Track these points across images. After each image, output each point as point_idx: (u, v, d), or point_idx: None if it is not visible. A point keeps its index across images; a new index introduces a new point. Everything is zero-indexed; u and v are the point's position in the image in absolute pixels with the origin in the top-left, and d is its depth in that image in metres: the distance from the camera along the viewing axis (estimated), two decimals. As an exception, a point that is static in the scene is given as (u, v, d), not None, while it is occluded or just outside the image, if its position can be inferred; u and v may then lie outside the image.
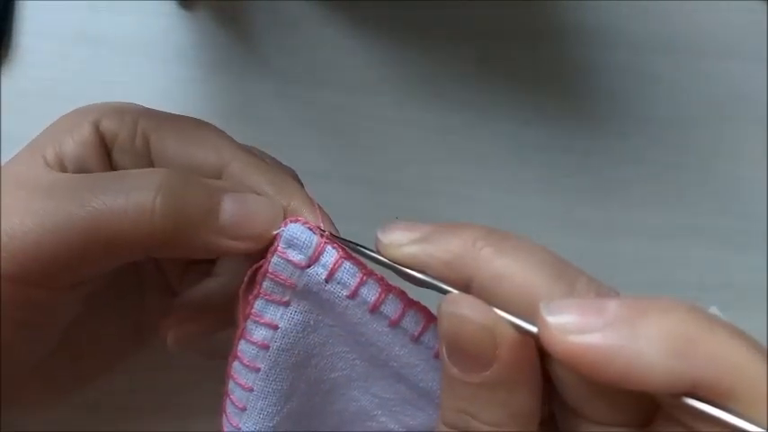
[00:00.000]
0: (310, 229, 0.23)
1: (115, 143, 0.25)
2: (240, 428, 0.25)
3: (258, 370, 0.24)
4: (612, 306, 0.17)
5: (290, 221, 0.23)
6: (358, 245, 0.24)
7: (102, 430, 0.32)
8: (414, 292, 0.23)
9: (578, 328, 0.17)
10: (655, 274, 0.38)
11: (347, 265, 0.23)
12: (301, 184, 0.29)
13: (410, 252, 0.22)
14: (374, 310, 0.23)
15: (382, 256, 0.23)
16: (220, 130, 0.26)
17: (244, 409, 0.25)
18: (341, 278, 0.23)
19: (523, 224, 0.37)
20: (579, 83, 0.39)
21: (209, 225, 0.23)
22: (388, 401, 0.25)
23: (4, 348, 0.23)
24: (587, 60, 0.39)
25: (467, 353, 0.19)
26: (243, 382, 0.24)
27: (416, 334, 0.24)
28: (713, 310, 0.37)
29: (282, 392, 0.25)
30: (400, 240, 0.22)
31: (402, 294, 0.23)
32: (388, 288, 0.23)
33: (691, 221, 0.39)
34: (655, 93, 0.39)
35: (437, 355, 0.24)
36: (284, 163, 0.29)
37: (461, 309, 0.20)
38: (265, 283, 0.23)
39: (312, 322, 0.24)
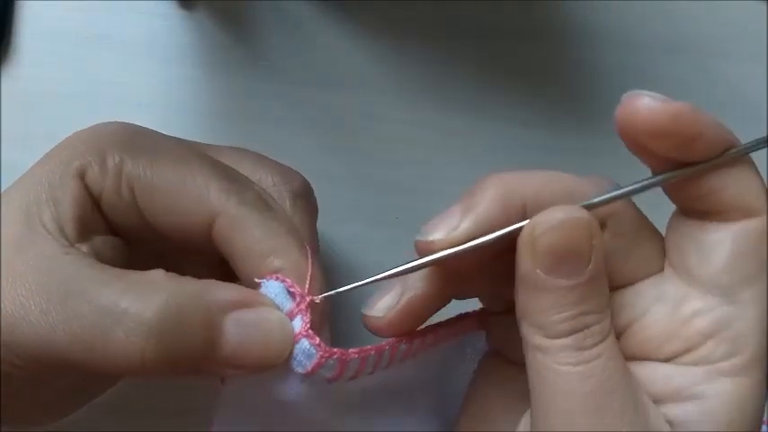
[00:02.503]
0: (290, 293, 0.22)
1: (102, 198, 0.24)
2: None
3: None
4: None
5: (270, 278, 0.23)
6: (375, 277, 0.23)
7: (102, 430, 0.32)
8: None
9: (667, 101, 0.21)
10: (655, 274, 0.38)
11: (305, 344, 0.22)
12: (310, 189, 0.28)
13: (470, 225, 0.22)
14: (335, 380, 0.22)
15: (432, 252, 0.22)
16: (211, 166, 0.25)
17: None
18: (296, 355, 0.22)
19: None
20: (579, 83, 0.39)
21: (210, 359, 0.22)
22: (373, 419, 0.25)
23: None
24: (587, 60, 0.39)
25: (572, 257, 0.21)
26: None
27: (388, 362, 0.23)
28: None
29: None
30: (452, 224, 0.22)
31: (361, 351, 0.22)
32: (346, 358, 0.22)
33: (691, 221, 0.39)
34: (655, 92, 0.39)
35: (388, 366, 0.23)
36: (285, 163, 0.29)
37: (562, 216, 0.21)
38: None
39: (254, 395, 0.23)
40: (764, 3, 0.41)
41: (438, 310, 0.25)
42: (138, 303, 0.21)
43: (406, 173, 0.37)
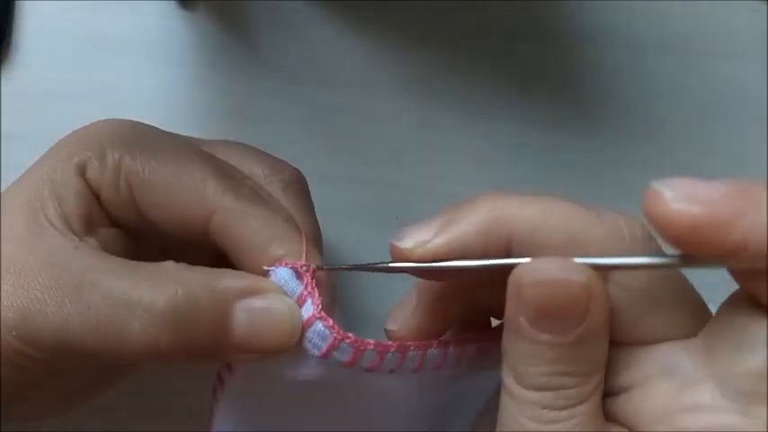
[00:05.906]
0: (298, 276, 0.23)
1: (101, 195, 0.25)
2: None
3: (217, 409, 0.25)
4: (720, 184, 0.18)
5: (279, 266, 0.23)
6: (372, 265, 0.23)
7: (103, 430, 0.32)
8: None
9: (696, 198, 0.18)
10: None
11: (319, 326, 0.22)
12: (302, 177, 0.29)
13: (441, 243, 0.20)
14: (350, 366, 0.22)
15: (405, 262, 0.21)
16: (206, 162, 0.25)
17: None
18: (311, 338, 0.22)
19: (523, 224, 0.37)
20: (579, 83, 0.39)
21: (222, 346, 0.22)
22: None
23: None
24: (587, 60, 0.39)
25: (560, 315, 0.19)
26: (213, 410, 0.25)
27: (395, 367, 0.22)
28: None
29: None
30: (423, 238, 0.21)
31: (378, 345, 0.22)
32: (361, 347, 0.22)
33: (691, 221, 0.39)
34: (654, 93, 0.39)
35: (416, 370, 0.23)
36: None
37: (553, 273, 0.19)
38: None
39: (265, 381, 0.23)
40: (764, 3, 0.41)
41: (457, 318, 0.24)
42: (150, 294, 0.22)
43: (406, 173, 0.37)
